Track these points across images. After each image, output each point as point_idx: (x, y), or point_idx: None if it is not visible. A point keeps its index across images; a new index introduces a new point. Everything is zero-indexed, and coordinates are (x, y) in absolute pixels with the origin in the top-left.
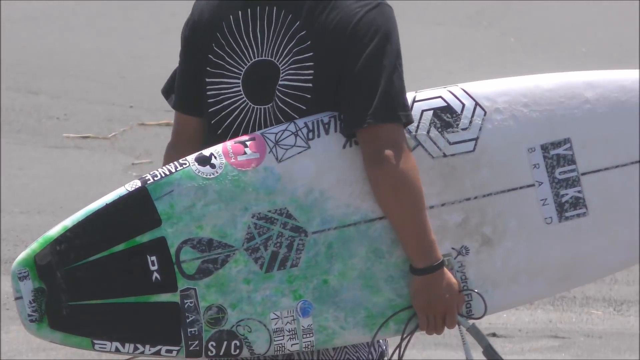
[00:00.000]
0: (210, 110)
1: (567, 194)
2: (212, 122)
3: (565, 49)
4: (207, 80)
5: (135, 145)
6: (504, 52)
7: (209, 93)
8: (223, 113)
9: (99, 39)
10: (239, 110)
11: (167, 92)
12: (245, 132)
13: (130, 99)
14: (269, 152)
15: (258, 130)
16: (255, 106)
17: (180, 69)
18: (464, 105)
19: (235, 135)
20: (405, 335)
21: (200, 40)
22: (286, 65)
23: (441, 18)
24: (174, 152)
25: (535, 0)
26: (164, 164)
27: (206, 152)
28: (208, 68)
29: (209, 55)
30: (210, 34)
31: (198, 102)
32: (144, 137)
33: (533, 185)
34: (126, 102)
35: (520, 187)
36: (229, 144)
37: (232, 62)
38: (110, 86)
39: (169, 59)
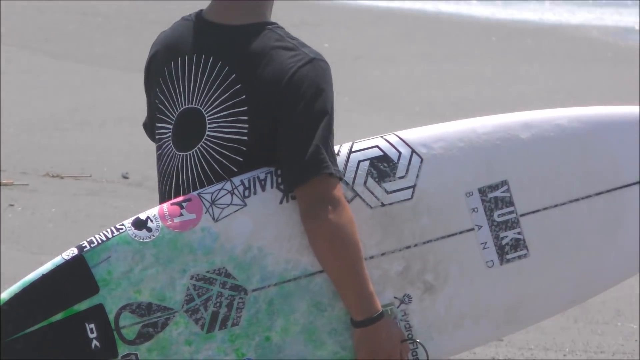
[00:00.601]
0: (157, 153)
1: (507, 236)
2: (158, 166)
3: (399, 108)
4: (156, 124)
5: None
6: (338, 111)
7: (157, 137)
8: (163, 158)
9: None
10: (166, 155)
11: (145, 125)
12: (173, 180)
13: None
14: (206, 212)
15: (182, 177)
16: (178, 153)
17: (147, 104)
18: (400, 153)
19: (168, 181)
20: None
21: (151, 85)
22: (217, 116)
23: None
24: None
25: (367, 61)
26: None
27: (143, 215)
28: (155, 112)
29: (156, 101)
30: (157, 80)
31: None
32: None
33: (472, 229)
34: None
35: (460, 232)
36: (165, 206)
37: (169, 107)
38: None
39: None
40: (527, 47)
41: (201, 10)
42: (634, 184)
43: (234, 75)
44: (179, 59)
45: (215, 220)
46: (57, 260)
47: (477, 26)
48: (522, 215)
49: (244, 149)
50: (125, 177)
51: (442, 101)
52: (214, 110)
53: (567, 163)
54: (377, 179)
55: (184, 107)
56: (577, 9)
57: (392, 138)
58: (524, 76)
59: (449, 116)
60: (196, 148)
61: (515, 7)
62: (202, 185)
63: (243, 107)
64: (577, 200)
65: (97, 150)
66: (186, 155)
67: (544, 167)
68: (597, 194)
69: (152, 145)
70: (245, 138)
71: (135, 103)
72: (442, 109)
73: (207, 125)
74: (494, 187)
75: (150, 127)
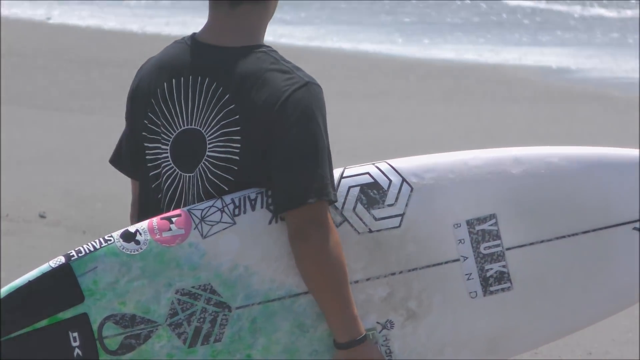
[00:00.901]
0: (150, 174)
1: (491, 269)
2: (153, 185)
3: None
4: (145, 144)
5: None
6: None
7: (148, 157)
8: (161, 178)
9: None
10: (167, 175)
11: (114, 160)
12: (175, 198)
13: None
14: (194, 229)
15: (185, 197)
16: (183, 174)
17: (124, 131)
18: (390, 181)
19: (169, 200)
20: None
21: (138, 106)
22: (214, 136)
23: None
24: (132, 210)
25: None
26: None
27: (132, 228)
28: (144, 133)
29: (145, 121)
30: (147, 101)
31: (135, 164)
32: None
33: (458, 260)
34: None
35: (446, 262)
36: (155, 220)
37: (163, 129)
38: None
39: None
40: (446, 86)
41: (194, 33)
42: (622, 224)
43: (227, 96)
44: (174, 80)
45: (204, 236)
46: (44, 267)
47: (396, 65)
48: (508, 249)
49: (235, 168)
50: (42, 217)
51: (361, 141)
52: (211, 131)
53: (556, 200)
54: (366, 206)
55: (182, 128)
56: (498, 48)
57: (384, 166)
58: (442, 115)
59: (367, 156)
60: (198, 168)
61: (435, 47)
62: None
63: (236, 127)
64: (563, 237)
65: (13, 189)
66: (191, 176)
67: (532, 202)
68: (584, 232)
69: (71, 184)
70: (237, 158)
71: (53, 141)
72: (361, 149)
73: (208, 146)
74: (482, 220)
75: (126, 159)
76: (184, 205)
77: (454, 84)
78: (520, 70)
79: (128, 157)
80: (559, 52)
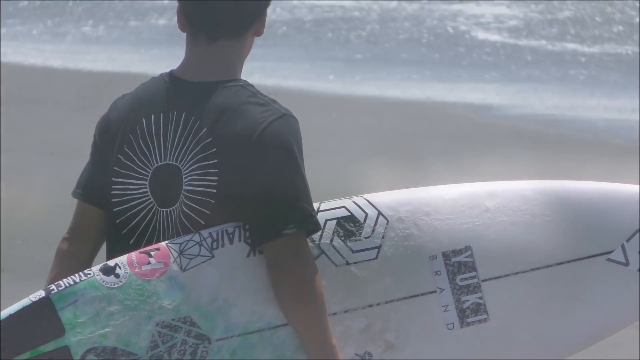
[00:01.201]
0: (115, 209)
1: (468, 300)
2: (117, 221)
3: None
4: (113, 179)
5: None
6: None
7: (114, 192)
8: (129, 213)
9: None
10: (145, 211)
11: (77, 193)
12: (151, 233)
13: None
14: (173, 262)
15: (163, 231)
16: (161, 209)
17: (90, 163)
18: (367, 214)
19: (142, 235)
20: None
21: (112, 139)
22: (191, 170)
23: None
24: (67, 246)
25: None
26: (55, 259)
27: (111, 262)
28: (116, 167)
29: (119, 156)
30: (123, 135)
31: (102, 196)
32: None
33: (435, 291)
34: None
35: (423, 294)
36: (134, 254)
37: (140, 164)
38: None
39: None
40: (367, 123)
41: (172, 70)
42: (596, 255)
43: (204, 130)
44: (153, 116)
45: (183, 270)
46: (24, 301)
47: (317, 102)
48: (484, 280)
49: (213, 201)
50: None
51: None
52: (188, 165)
53: (530, 232)
54: (343, 238)
55: (160, 163)
56: (424, 85)
57: (360, 200)
58: (364, 153)
59: None
60: (177, 203)
61: (359, 83)
62: None
63: (213, 160)
64: (538, 269)
65: None
66: (168, 211)
67: (507, 235)
68: (558, 264)
69: None
70: (215, 191)
71: None
72: None
73: (184, 180)
74: (457, 252)
75: (87, 182)
76: (160, 240)
77: (376, 120)
78: (445, 107)
79: (94, 189)
80: (482, 89)
